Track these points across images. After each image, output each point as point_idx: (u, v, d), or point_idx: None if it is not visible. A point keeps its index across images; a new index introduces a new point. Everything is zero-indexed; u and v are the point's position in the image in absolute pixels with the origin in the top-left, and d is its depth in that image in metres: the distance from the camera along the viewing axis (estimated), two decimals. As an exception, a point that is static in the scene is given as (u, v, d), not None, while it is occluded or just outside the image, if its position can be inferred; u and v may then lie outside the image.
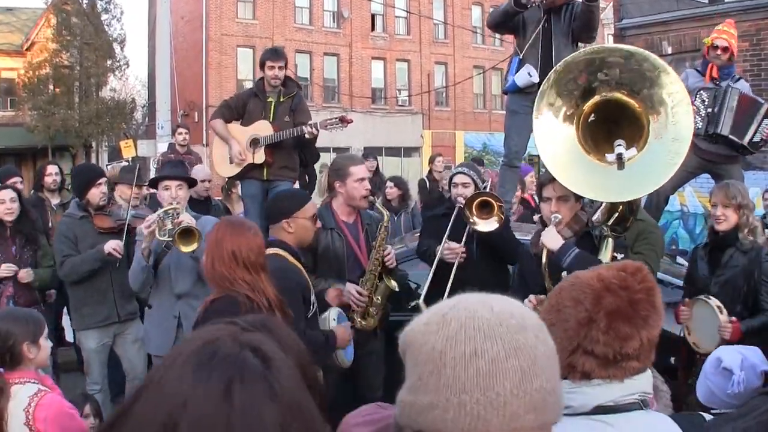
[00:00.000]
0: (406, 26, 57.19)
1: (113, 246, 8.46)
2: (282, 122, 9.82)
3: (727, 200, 7.16)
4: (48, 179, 11.64)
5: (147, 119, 53.47)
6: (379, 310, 7.61)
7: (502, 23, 9.70)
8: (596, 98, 5.97)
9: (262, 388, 1.58)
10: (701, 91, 9.65)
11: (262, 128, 9.75)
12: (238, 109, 10.06)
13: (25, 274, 8.79)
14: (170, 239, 7.25)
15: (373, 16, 55.44)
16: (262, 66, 9.97)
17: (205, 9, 48.37)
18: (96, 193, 8.82)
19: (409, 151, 55.83)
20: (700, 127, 9.42)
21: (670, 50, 21.64)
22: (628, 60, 5.96)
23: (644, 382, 2.89)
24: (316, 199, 8.79)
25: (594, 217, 6.26)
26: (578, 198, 6.20)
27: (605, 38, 48.42)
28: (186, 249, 7.22)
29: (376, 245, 7.53)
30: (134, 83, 61.09)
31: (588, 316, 2.79)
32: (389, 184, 14.58)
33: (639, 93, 5.87)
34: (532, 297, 5.94)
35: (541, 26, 9.23)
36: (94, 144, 45.37)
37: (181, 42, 45.87)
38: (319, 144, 10.23)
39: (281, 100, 9.91)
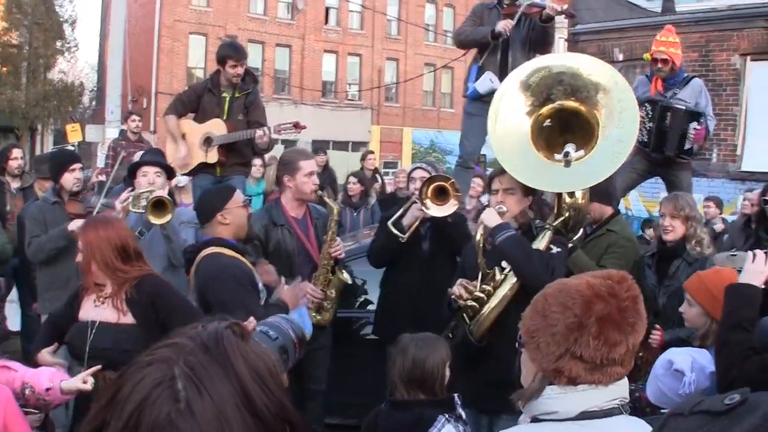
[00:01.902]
0: (360, 21, 57.13)
1: (78, 224, 8.47)
2: (236, 119, 9.78)
3: (675, 212, 7.24)
4: (12, 163, 11.33)
5: (95, 104, 52.84)
6: (333, 303, 7.67)
7: (474, 47, 9.92)
8: (552, 104, 6.21)
9: (173, 419, 1.58)
10: (646, 104, 9.72)
11: (216, 127, 9.70)
12: (192, 104, 9.97)
13: None
14: (143, 211, 7.32)
15: (327, 9, 55.33)
16: (223, 62, 9.78)
17: (159, -7, 47.91)
18: (69, 179, 8.75)
19: (357, 146, 55.46)
20: (641, 140, 9.59)
21: (621, 57, 21.90)
22: (581, 69, 6.23)
23: (624, 387, 2.98)
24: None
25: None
26: (526, 194, 6.31)
27: (557, 42, 48.76)
28: (158, 221, 7.30)
29: (327, 239, 7.57)
30: (83, 66, 60.41)
31: (578, 321, 2.86)
32: (352, 179, 14.56)
33: (590, 99, 6.11)
34: (461, 279, 6.17)
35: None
36: (39, 126, 44.71)
37: (134, 26, 45.36)
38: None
39: (236, 95, 9.83)
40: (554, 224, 6.29)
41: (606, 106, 6.08)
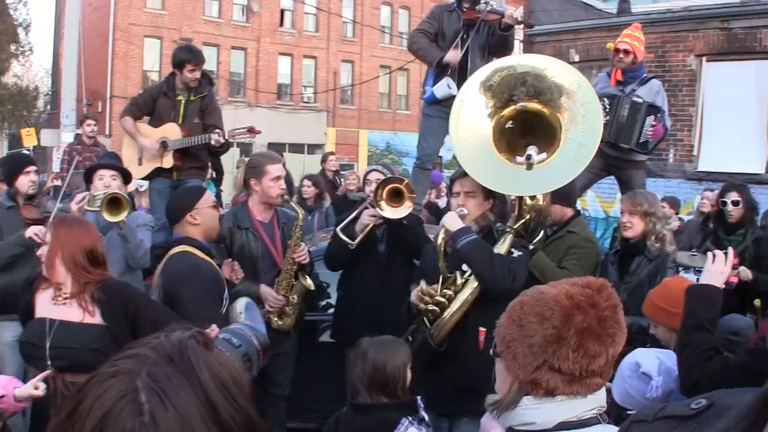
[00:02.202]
0: (315, 23, 57.06)
1: (35, 230, 8.38)
2: (191, 123, 9.73)
3: (633, 208, 7.28)
4: None
5: (50, 108, 52.53)
6: (295, 309, 7.64)
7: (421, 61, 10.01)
8: (515, 106, 6.17)
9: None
10: (604, 98, 9.61)
11: (172, 132, 9.64)
12: (147, 107, 9.91)
13: None
14: (98, 209, 7.22)
15: (282, 12, 55.27)
16: (180, 66, 9.71)
17: (114, -3, 47.67)
18: (24, 182, 8.57)
19: (313, 148, 55.65)
20: None
21: (577, 58, 22.00)
22: (547, 71, 6.20)
23: (602, 396, 2.96)
24: (232, 193, 8.81)
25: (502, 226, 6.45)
26: (487, 197, 6.34)
27: (514, 43, 48.90)
28: (114, 218, 7.23)
29: (291, 244, 7.54)
30: (38, 70, 60.05)
31: (557, 333, 2.79)
32: (306, 182, 14.46)
33: (554, 102, 6.07)
34: (422, 283, 6.16)
35: (459, 38, 9.45)
36: (-6, 131, 44.47)
37: (88, 30, 44.48)
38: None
39: (191, 99, 9.78)
40: (515, 227, 6.29)
41: (569, 109, 6.05)
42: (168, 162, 9.63)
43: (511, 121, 6.21)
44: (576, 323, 2.79)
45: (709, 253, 5.12)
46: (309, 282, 7.73)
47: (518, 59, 6.78)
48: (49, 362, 5.35)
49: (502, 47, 9.39)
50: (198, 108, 9.81)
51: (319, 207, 14.30)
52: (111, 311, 5.41)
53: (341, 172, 18.13)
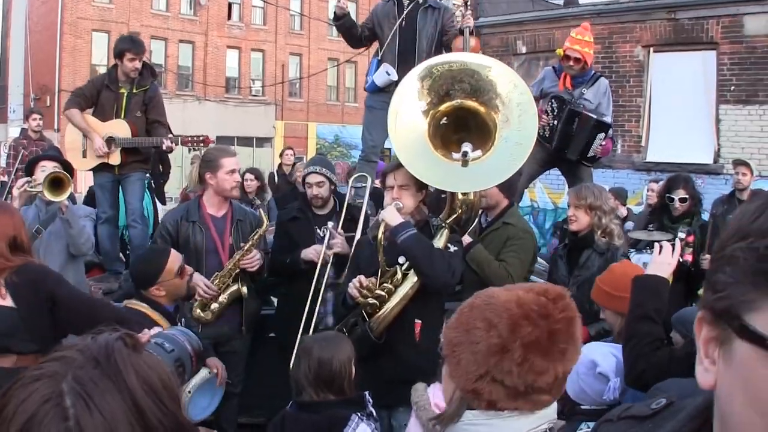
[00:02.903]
0: (263, 16, 56.92)
1: None
2: (134, 116, 9.63)
3: (577, 201, 7.29)
4: None
5: (-3, 102, 52.07)
6: (221, 309, 7.52)
7: (349, 39, 10.14)
8: (452, 102, 6.21)
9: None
10: (552, 99, 9.80)
11: (119, 128, 9.56)
12: (93, 98, 9.76)
13: None
14: (40, 190, 7.19)
15: (230, 5, 55.09)
16: (120, 56, 9.58)
17: (62, -10, 47.23)
18: None
19: (261, 142, 55.62)
20: (542, 133, 9.59)
21: (524, 50, 22.17)
22: (483, 71, 6.24)
23: (553, 410, 2.82)
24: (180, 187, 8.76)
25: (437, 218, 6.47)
26: (420, 189, 6.35)
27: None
28: (56, 198, 7.20)
29: (243, 247, 7.50)
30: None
31: (501, 343, 2.63)
32: (248, 176, 14.29)
33: (490, 101, 6.13)
34: (361, 277, 6.12)
35: (398, 25, 9.46)
36: (-60, 127, 44.05)
37: (36, 23, 44.37)
38: (172, 132, 10.06)
39: (134, 91, 9.66)
40: (448, 222, 6.32)
41: (505, 108, 6.09)
42: (115, 159, 9.53)
43: (446, 117, 6.25)
44: (523, 335, 2.63)
45: (656, 244, 5.18)
46: (244, 290, 7.60)
47: (457, 56, 6.78)
48: None
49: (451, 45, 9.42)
50: (141, 101, 9.71)
51: (261, 200, 14.26)
52: (22, 294, 5.33)
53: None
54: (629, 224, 11.46)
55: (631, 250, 8.88)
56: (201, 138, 9.65)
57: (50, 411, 1.55)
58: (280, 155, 18.72)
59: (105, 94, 9.67)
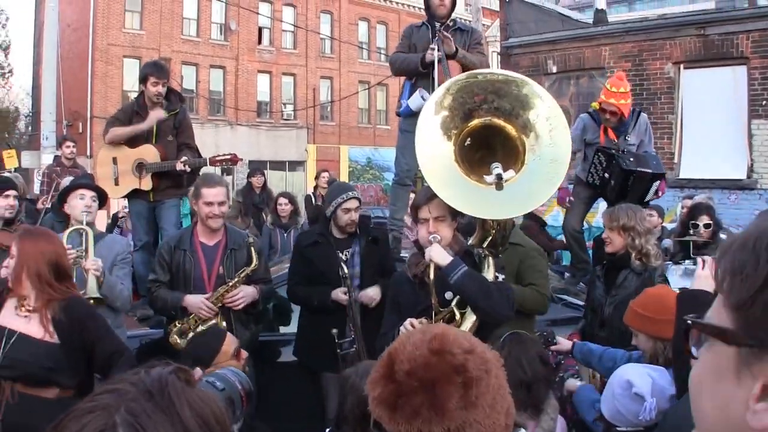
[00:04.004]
0: (293, 40, 57.05)
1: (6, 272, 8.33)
2: (165, 141, 9.69)
3: (610, 223, 7.25)
4: None
5: (30, 129, 52.37)
6: (193, 337, 7.09)
7: (408, 75, 9.87)
8: (475, 121, 5.91)
9: None
10: (599, 153, 9.78)
11: (148, 153, 9.61)
12: (127, 124, 9.79)
13: None
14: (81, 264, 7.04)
15: (260, 30, 55.19)
16: (144, 80, 9.69)
17: (93, 18, 47.50)
18: (2, 205, 8.31)
19: (294, 165, 55.71)
20: (591, 181, 9.75)
21: (555, 69, 22.08)
22: (507, 85, 5.99)
23: None
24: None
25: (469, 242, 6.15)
26: (454, 218, 6.00)
27: (490, 56, 48.91)
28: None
29: (229, 284, 7.41)
30: (18, 92, 59.85)
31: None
32: (282, 200, 14.39)
33: (516, 118, 5.86)
34: (412, 320, 5.69)
35: (436, 43, 9.42)
36: (-26, 153, 44.38)
37: (67, 50, 44.60)
38: (203, 155, 10.07)
39: (165, 116, 9.71)
40: (485, 246, 6.04)
41: (533, 124, 5.84)
42: (146, 184, 9.58)
43: (469, 138, 5.93)
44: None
45: (699, 259, 5.06)
46: (223, 324, 7.33)
47: (478, 72, 6.57)
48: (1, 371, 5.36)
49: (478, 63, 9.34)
50: (171, 125, 9.77)
51: (294, 224, 14.37)
52: (68, 334, 5.41)
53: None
54: (667, 241, 11.40)
55: (668, 261, 8.83)
56: (228, 156, 9.65)
57: None
58: (316, 178, 18.57)
59: (136, 120, 9.71)
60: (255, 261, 7.53)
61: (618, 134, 9.87)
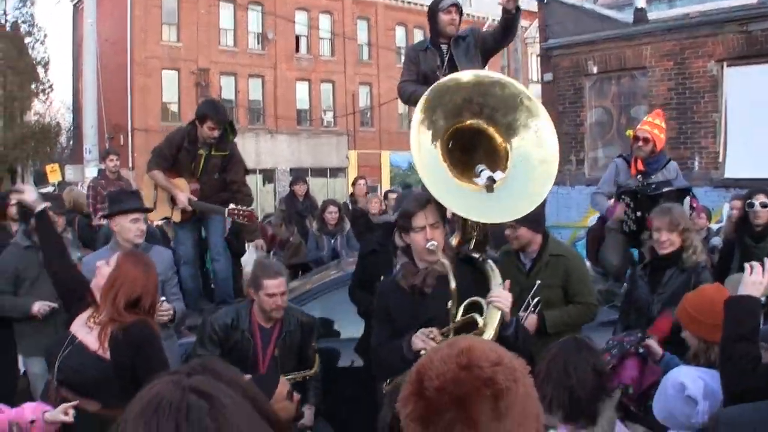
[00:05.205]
0: (331, 47, 57.33)
1: (38, 308, 8.44)
2: (211, 178, 9.84)
3: (672, 226, 7.20)
4: (12, 209, 10.79)
5: (72, 143, 52.90)
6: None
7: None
8: (457, 124, 5.77)
9: (208, 423, 1.62)
10: (623, 195, 9.79)
11: (181, 186, 9.76)
12: (172, 157, 9.90)
13: None
14: None
15: (297, 38, 55.52)
16: (201, 120, 9.69)
17: (130, 31, 48.04)
18: None
19: (336, 172, 55.94)
20: (626, 230, 9.73)
21: (595, 70, 21.88)
22: (491, 87, 5.85)
23: None
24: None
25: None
26: (444, 223, 5.86)
27: (529, 58, 48.83)
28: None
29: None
30: (59, 106, 60.46)
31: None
32: (333, 209, 14.75)
33: (501, 119, 5.78)
34: (433, 330, 5.40)
35: (441, 74, 9.18)
36: (19, 169, 44.74)
37: (106, 64, 44.70)
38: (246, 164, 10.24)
39: (213, 154, 9.81)
40: (475, 250, 5.92)
41: (518, 124, 5.76)
42: (177, 216, 9.78)
43: (451, 141, 5.78)
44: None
45: (746, 265, 5.10)
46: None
47: (460, 75, 6.31)
48: (55, 374, 5.59)
49: (510, 32, 9.04)
50: (219, 164, 9.90)
51: (340, 230, 14.65)
52: (120, 353, 5.47)
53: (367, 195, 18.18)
54: (715, 239, 11.29)
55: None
56: (245, 213, 9.65)
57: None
58: (352, 184, 18.89)
59: (183, 153, 9.82)
60: (315, 367, 7.78)
61: (647, 171, 9.92)
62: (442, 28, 9.04)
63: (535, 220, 7.31)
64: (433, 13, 9.10)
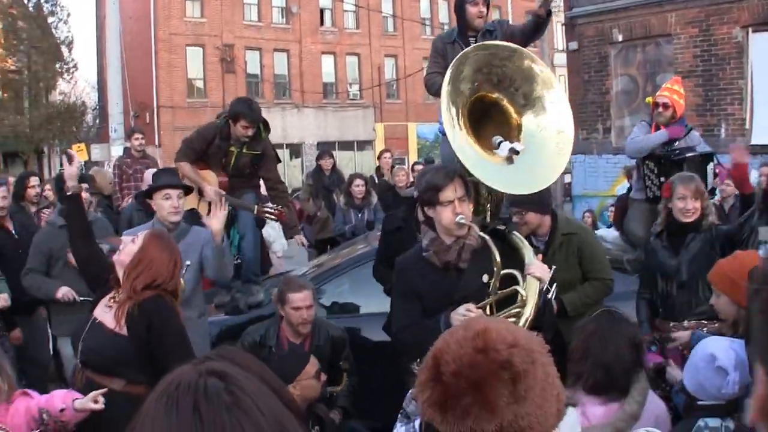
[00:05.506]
0: (355, 20, 57.22)
1: (64, 293, 8.52)
2: (243, 173, 9.79)
3: (698, 194, 7.23)
4: (30, 191, 11.14)
5: (98, 122, 52.94)
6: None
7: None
8: (473, 96, 5.78)
9: (228, 401, 1.65)
10: (646, 162, 9.75)
11: (209, 179, 9.68)
12: (202, 151, 9.79)
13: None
14: None
15: (321, 11, 55.50)
16: (235, 119, 9.55)
17: (153, 8, 48.11)
18: None
19: (363, 145, 55.89)
20: (651, 196, 9.61)
21: (620, 38, 21.77)
22: (509, 59, 5.85)
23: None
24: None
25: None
26: (470, 198, 5.66)
27: (554, 27, 48.50)
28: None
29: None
30: (84, 86, 60.47)
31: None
32: (360, 182, 14.66)
33: (516, 90, 5.80)
34: (470, 305, 5.30)
35: None
36: (45, 149, 44.87)
37: (130, 42, 44.93)
38: (271, 139, 10.22)
39: (244, 151, 9.72)
40: (495, 223, 5.94)
41: (534, 94, 5.80)
42: (203, 208, 9.61)
43: (468, 114, 5.76)
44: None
45: None
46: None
47: (473, 49, 6.27)
48: (78, 354, 5.63)
49: (537, 33, 9.01)
50: (250, 162, 9.81)
51: (367, 204, 14.56)
52: (136, 328, 5.46)
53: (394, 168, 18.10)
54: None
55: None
56: (275, 212, 9.64)
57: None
58: (378, 158, 18.74)
59: (214, 148, 9.72)
60: (343, 384, 7.73)
61: (670, 140, 9.83)
62: (470, 21, 8.87)
63: (540, 202, 7.31)
64: (460, 5, 8.96)
